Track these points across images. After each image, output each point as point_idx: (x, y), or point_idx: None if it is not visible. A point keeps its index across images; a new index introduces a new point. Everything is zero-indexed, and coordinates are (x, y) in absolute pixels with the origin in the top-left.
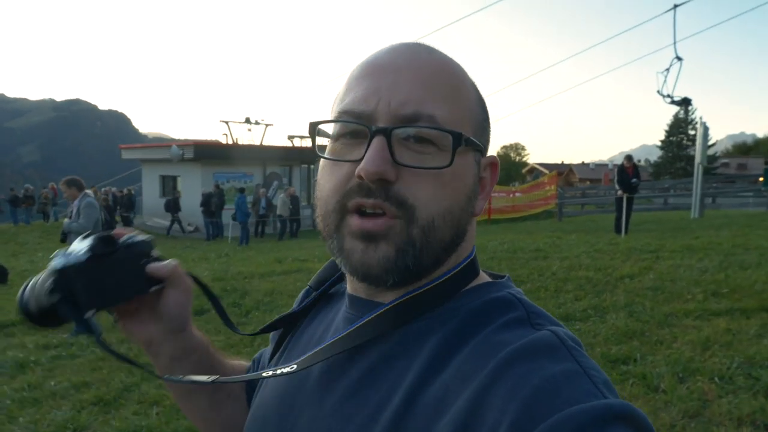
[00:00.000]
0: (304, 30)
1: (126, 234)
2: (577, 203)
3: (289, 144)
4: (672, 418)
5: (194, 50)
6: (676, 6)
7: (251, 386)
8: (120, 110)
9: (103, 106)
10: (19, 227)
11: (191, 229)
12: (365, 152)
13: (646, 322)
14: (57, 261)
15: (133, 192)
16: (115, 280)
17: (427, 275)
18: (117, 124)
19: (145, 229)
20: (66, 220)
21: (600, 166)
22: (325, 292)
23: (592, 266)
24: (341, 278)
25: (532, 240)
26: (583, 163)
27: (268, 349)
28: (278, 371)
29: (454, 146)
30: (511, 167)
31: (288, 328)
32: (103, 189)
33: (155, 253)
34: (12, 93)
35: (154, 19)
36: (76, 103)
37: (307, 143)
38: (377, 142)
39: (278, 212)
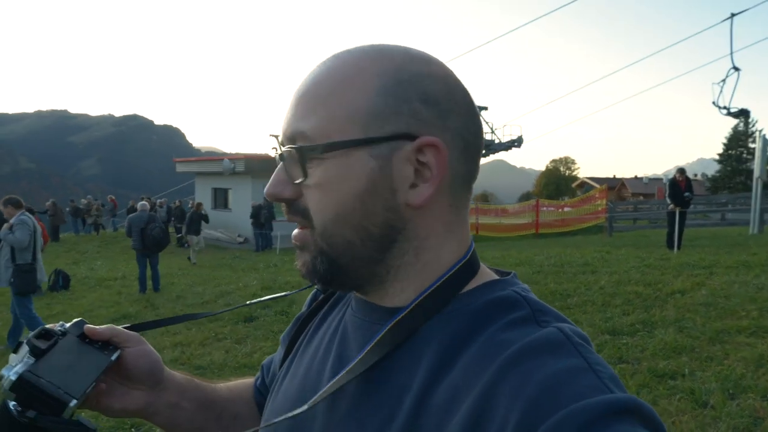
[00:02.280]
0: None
1: (54, 326)
2: (629, 218)
3: None
4: None
5: (246, 67)
6: (733, 15)
7: (262, 398)
8: (174, 125)
9: (158, 121)
10: (80, 237)
11: (241, 240)
12: None
13: (697, 338)
14: (5, 380)
15: (188, 204)
16: (72, 366)
17: (375, 276)
18: (171, 138)
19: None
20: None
21: (654, 181)
22: (333, 294)
23: (642, 281)
24: None
25: (580, 254)
26: (635, 178)
27: (278, 354)
28: (289, 415)
29: (300, 160)
30: (561, 181)
31: (299, 331)
32: (158, 201)
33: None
34: (75, 109)
35: (207, 37)
36: (134, 118)
37: None
38: (279, 165)
39: None
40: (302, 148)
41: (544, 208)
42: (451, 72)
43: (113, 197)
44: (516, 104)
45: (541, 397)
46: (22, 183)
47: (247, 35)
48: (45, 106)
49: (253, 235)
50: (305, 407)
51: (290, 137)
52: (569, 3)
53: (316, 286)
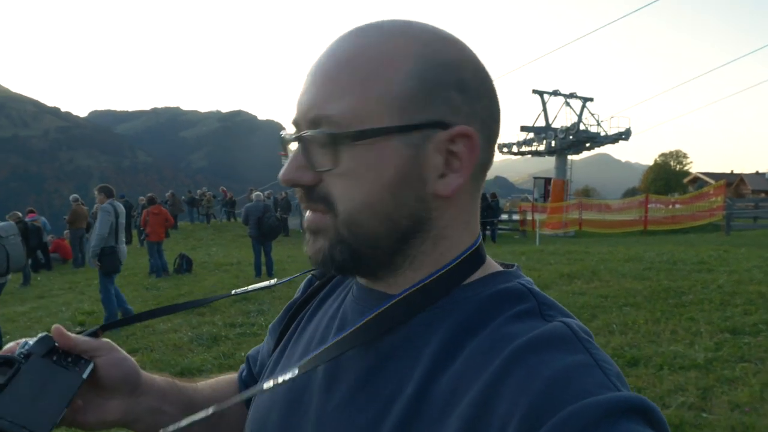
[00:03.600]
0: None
1: (16, 346)
2: (749, 216)
3: None
4: None
5: None
6: None
7: (250, 386)
8: (276, 119)
9: (261, 116)
10: (196, 225)
11: None
12: None
13: None
14: None
15: (295, 196)
16: (40, 395)
17: (391, 264)
18: (273, 132)
19: (299, 230)
20: None
21: None
22: (329, 280)
23: (765, 281)
24: None
25: (694, 252)
26: (757, 173)
27: (265, 344)
28: (279, 379)
29: (332, 147)
30: (671, 177)
31: (293, 318)
32: (266, 192)
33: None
34: (186, 106)
35: (305, 34)
36: (239, 114)
37: None
38: (295, 149)
39: None
40: (336, 135)
41: (652, 205)
42: (478, 57)
43: (225, 188)
44: (624, 95)
45: (547, 392)
46: (139, 175)
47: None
48: (160, 103)
49: None
50: (296, 371)
51: (314, 120)
52: None
53: (310, 271)
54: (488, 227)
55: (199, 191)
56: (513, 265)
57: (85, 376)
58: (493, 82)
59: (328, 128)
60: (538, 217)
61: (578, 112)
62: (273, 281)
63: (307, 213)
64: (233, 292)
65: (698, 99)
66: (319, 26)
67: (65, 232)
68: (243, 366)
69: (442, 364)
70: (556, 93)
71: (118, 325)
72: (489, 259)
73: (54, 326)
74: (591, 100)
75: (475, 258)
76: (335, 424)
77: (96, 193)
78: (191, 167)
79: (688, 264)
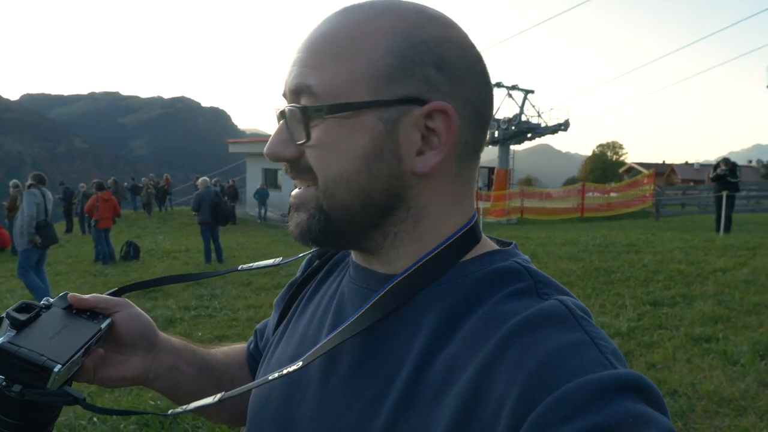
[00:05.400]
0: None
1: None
2: (677, 203)
3: None
4: (747, 386)
5: (288, 47)
6: None
7: (255, 363)
8: (220, 107)
9: (205, 103)
10: (139, 213)
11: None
12: None
13: (734, 310)
14: None
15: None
16: (57, 336)
17: (370, 240)
18: (217, 120)
19: (247, 218)
20: None
21: (705, 167)
22: (328, 260)
23: (685, 260)
24: None
25: (625, 236)
26: (686, 164)
27: (271, 319)
28: (284, 371)
29: (304, 121)
30: (608, 166)
31: (294, 296)
32: (213, 180)
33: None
34: (126, 91)
35: (250, 19)
36: (181, 100)
37: None
38: (280, 123)
39: None
40: (307, 108)
41: (590, 193)
42: (468, 37)
43: (168, 176)
44: (563, 88)
45: (543, 371)
46: (76, 162)
47: (291, 14)
48: (98, 88)
49: None
50: (300, 364)
51: (295, 90)
52: None
53: (311, 252)
54: None
55: (144, 179)
56: (510, 243)
57: (102, 326)
58: (483, 64)
59: (307, 101)
60: (482, 204)
61: (520, 104)
62: (279, 259)
63: (294, 190)
64: (240, 267)
65: (633, 92)
66: (264, 12)
67: (5, 220)
68: (252, 338)
69: (438, 344)
70: (499, 85)
71: (136, 288)
72: (485, 237)
73: (69, 294)
74: (532, 92)
75: (470, 236)
76: (333, 407)
77: (28, 179)
78: (132, 155)
79: (618, 246)
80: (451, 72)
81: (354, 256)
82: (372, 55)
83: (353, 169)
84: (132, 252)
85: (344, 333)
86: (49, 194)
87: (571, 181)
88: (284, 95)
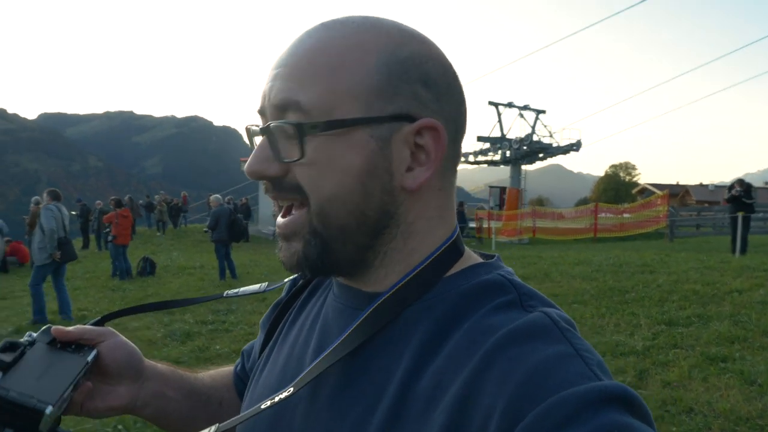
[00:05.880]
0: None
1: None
2: (692, 224)
3: None
4: (764, 405)
5: None
6: None
7: (243, 385)
8: (232, 126)
9: (217, 122)
10: (153, 230)
11: None
12: None
13: (750, 330)
14: None
15: (255, 202)
16: (45, 374)
17: (364, 261)
18: (229, 139)
19: (260, 236)
20: None
21: (720, 188)
22: (312, 279)
23: (700, 281)
24: None
25: (638, 256)
26: (701, 185)
27: (258, 340)
28: (276, 398)
29: (299, 136)
30: (620, 187)
31: (279, 317)
32: (226, 197)
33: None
34: (140, 110)
35: (263, 40)
36: (194, 119)
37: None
38: (260, 141)
39: None
40: (303, 125)
41: (603, 214)
42: (444, 54)
43: (185, 194)
44: (576, 107)
45: (529, 383)
46: (90, 180)
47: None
48: (113, 107)
49: None
50: (291, 390)
51: (280, 106)
52: (633, 6)
53: (296, 276)
54: None
55: (157, 196)
56: (493, 256)
57: (88, 359)
58: (459, 81)
59: (295, 117)
60: (493, 224)
61: (532, 124)
62: (265, 284)
63: (279, 219)
64: (225, 293)
65: (646, 112)
66: (276, 32)
67: (25, 236)
68: (239, 360)
69: (425, 360)
70: (510, 105)
71: (120, 315)
72: (468, 250)
73: (52, 327)
74: (543, 112)
75: (454, 249)
76: (321, 427)
77: (44, 195)
78: (145, 173)
79: (632, 266)
80: (436, 89)
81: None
82: (360, 72)
83: (348, 188)
84: (148, 268)
85: (333, 354)
86: (65, 210)
87: (583, 202)
88: (261, 112)
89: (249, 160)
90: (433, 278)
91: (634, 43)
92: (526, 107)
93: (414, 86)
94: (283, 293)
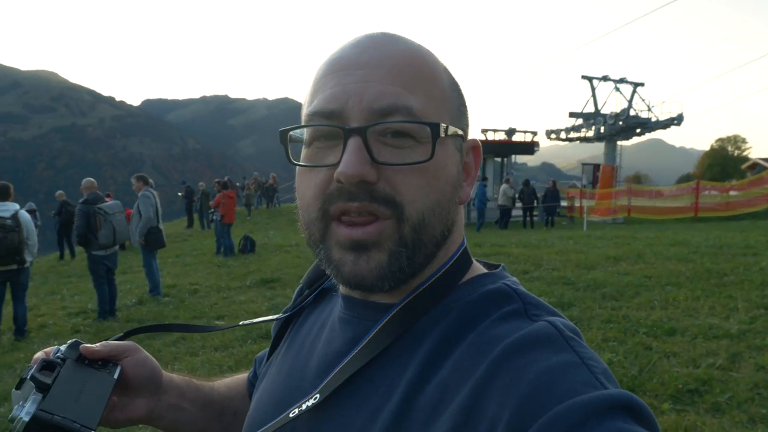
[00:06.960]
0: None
1: (50, 351)
2: None
3: (482, 137)
4: None
5: None
6: None
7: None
8: None
9: None
10: (251, 210)
11: None
12: (342, 154)
13: None
14: (18, 422)
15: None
16: (81, 395)
17: (420, 273)
18: None
19: None
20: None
21: None
22: (317, 288)
23: None
24: None
25: (742, 237)
26: None
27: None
28: (303, 406)
29: (433, 138)
30: (728, 162)
31: (285, 326)
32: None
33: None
34: (234, 94)
35: (351, 21)
36: (285, 101)
37: (500, 137)
38: (353, 142)
39: (500, 202)
40: (439, 126)
41: (706, 192)
42: None
43: (275, 175)
44: (677, 79)
45: (534, 393)
46: (189, 162)
47: (384, 16)
48: (209, 91)
49: None
50: (318, 397)
51: (387, 110)
52: None
53: (300, 285)
54: (548, 214)
55: (243, 178)
56: (498, 266)
57: (116, 376)
58: None
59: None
60: (586, 203)
61: (628, 98)
62: (281, 315)
63: (357, 229)
64: (241, 323)
65: (756, 82)
66: (362, 18)
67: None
68: (252, 367)
69: (428, 372)
70: (605, 78)
71: (141, 331)
72: (474, 260)
73: (81, 345)
74: (642, 85)
75: (465, 259)
76: None
77: (134, 181)
78: (239, 154)
79: (733, 248)
80: (467, 111)
81: (345, 289)
82: (444, 86)
83: (447, 197)
84: (249, 246)
85: (357, 360)
86: (155, 194)
87: (686, 179)
88: (337, 113)
89: (348, 160)
90: (447, 287)
91: (742, 5)
92: (622, 80)
93: (465, 107)
94: (291, 303)
